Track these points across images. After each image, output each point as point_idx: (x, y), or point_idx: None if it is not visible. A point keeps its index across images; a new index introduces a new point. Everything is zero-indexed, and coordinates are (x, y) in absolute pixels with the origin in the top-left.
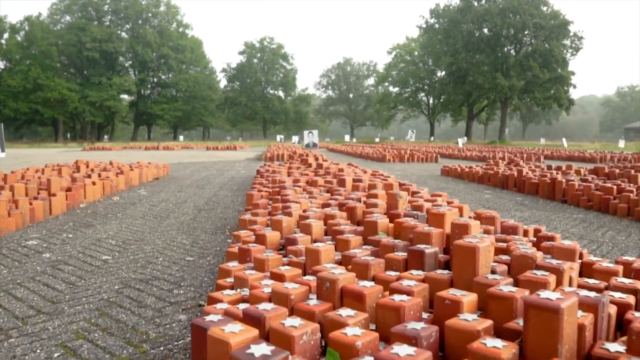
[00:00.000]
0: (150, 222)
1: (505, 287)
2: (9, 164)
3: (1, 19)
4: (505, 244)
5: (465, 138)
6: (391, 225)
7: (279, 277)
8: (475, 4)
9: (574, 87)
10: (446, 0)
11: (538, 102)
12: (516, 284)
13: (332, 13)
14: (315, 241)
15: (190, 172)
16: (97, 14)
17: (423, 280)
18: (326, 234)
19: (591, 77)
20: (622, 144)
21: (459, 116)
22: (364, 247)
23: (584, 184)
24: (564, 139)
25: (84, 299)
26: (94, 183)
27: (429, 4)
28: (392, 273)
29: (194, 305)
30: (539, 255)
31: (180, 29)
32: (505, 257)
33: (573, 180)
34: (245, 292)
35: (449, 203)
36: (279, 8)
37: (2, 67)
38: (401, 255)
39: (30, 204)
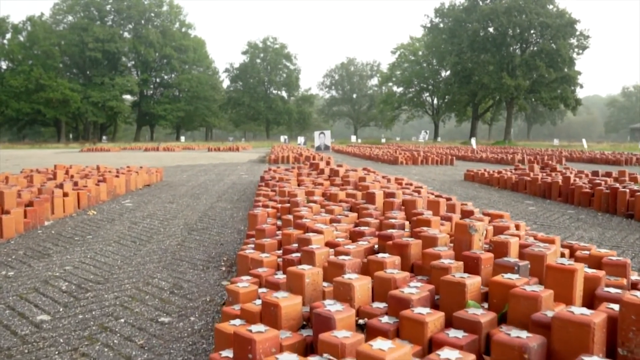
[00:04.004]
0: (125, 248)
1: None
2: None
3: (3, 19)
4: None
5: (474, 139)
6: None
7: None
8: (481, 3)
9: (581, 86)
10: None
11: (545, 102)
12: None
13: (335, 13)
14: (360, 315)
15: (187, 177)
16: (100, 13)
17: None
18: (373, 295)
19: (595, 77)
20: None
21: (464, 116)
22: (452, 334)
23: None
24: (584, 140)
25: None
26: (65, 194)
27: (434, 4)
28: None
29: None
30: None
31: (183, 29)
32: None
33: (639, 191)
34: None
35: (517, 228)
36: (282, 8)
37: (5, 67)
38: None
39: None
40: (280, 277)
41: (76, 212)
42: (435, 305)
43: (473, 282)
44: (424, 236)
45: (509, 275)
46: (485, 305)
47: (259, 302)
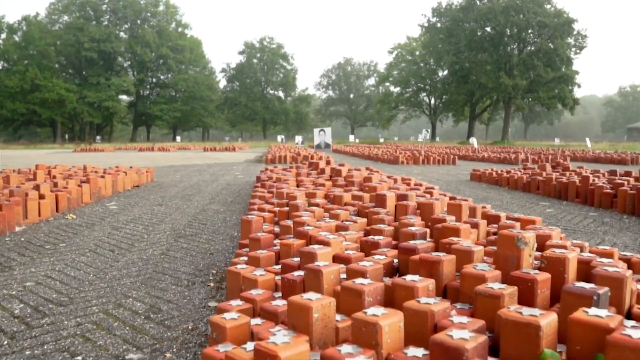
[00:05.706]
0: (100, 259)
1: None
2: None
3: None
4: None
5: (474, 138)
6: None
7: None
8: (478, 2)
9: (579, 86)
10: None
11: (542, 102)
12: None
13: (332, 13)
14: None
15: (180, 178)
16: (96, 13)
17: None
18: (406, 339)
19: (591, 77)
20: None
21: (461, 116)
22: None
23: None
24: (587, 139)
25: None
26: (42, 196)
27: (431, 3)
28: None
29: None
30: None
31: (179, 29)
32: None
33: None
34: None
35: (562, 238)
36: (279, 8)
37: (0, 67)
38: None
39: None
40: (279, 303)
41: (54, 216)
42: (489, 349)
43: (549, 323)
44: (456, 249)
45: (595, 311)
46: (558, 348)
47: (250, 346)
